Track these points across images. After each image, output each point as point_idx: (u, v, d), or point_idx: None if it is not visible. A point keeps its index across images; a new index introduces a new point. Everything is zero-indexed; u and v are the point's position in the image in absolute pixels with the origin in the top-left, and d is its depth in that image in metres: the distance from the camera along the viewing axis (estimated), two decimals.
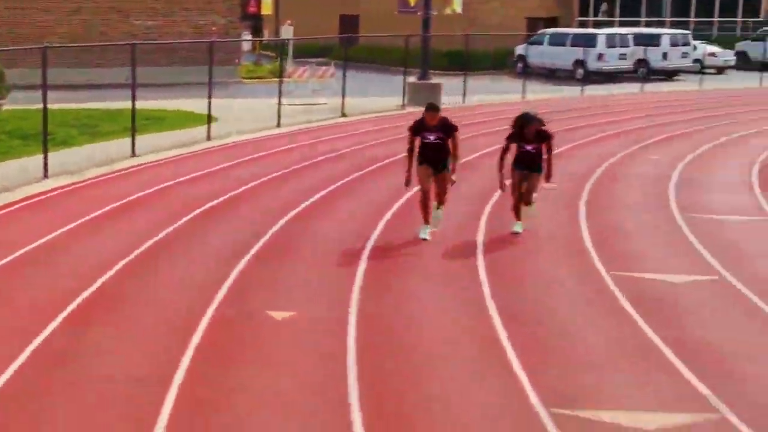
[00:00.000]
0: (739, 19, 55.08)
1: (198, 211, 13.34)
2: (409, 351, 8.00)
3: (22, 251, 11.00)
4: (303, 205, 13.83)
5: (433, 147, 11.68)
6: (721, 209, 14.16)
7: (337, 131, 22.75)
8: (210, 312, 8.89)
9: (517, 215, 12.40)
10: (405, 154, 12.14)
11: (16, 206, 13.82)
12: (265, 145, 20.24)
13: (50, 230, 12.05)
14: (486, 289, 9.77)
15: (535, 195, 12.41)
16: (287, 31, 40.18)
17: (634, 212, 13.90)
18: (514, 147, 12.28)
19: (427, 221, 11.95)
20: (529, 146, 12.09)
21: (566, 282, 10.15)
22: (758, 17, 54.34)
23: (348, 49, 51.83)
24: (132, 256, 10.83)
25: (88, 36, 33.85)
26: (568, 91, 34.23)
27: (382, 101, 28.74)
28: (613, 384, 7.36)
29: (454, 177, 11.88)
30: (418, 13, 32.06)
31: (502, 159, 12.35)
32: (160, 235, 11.85)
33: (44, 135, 16.39)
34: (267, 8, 42.99)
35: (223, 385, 7.18)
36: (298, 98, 27.75)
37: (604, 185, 16.00)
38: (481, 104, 29.71)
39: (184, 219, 12.83)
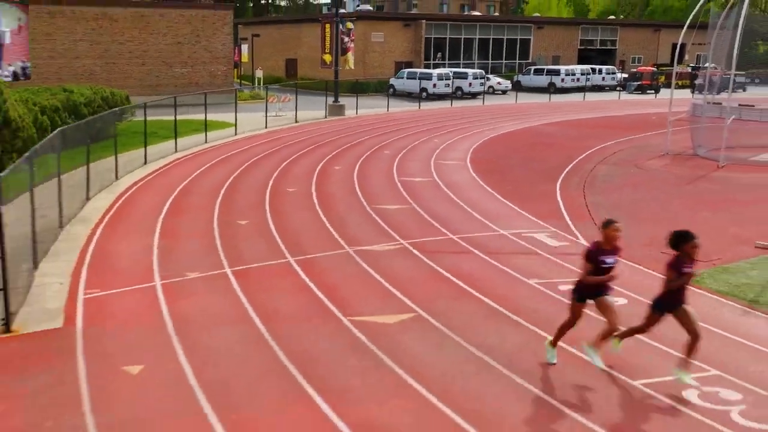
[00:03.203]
0: (517, 60, 64.38)
1: (246, 164, 23.88)
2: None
3: (184, 182, 21.60)
4: (285, 163, 24.50)
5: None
6: (414, 174, 21.21)
7: (295, 130, 32.86)
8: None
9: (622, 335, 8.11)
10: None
11: (167, 166, 24.16)
12: (262, 137, 30.45)
13: (191, 173, 22.47)
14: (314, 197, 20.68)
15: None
16: (259, 73, 48.89)
17: (373, 172, 21.21)
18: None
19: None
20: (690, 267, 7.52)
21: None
22: (528, 59, 64.27)
23: (292, 80, 61.57)
24: (232, 177, 21.43)
25: (149, 79, 42.71)
26: (412, 106, 44.65)
27: (316, 113, 38.47)
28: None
29: None
30: (332, 68, 41.52)
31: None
32: (237, 172, 22.41)
33: (176, 133, 26.66)
34: (245, 58, 52.80)
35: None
36: (272, 112, 37.43)
37: (375, 158, 24.06)
38: (366, 114, 38.94)
39: (243, 167, 23.35)
